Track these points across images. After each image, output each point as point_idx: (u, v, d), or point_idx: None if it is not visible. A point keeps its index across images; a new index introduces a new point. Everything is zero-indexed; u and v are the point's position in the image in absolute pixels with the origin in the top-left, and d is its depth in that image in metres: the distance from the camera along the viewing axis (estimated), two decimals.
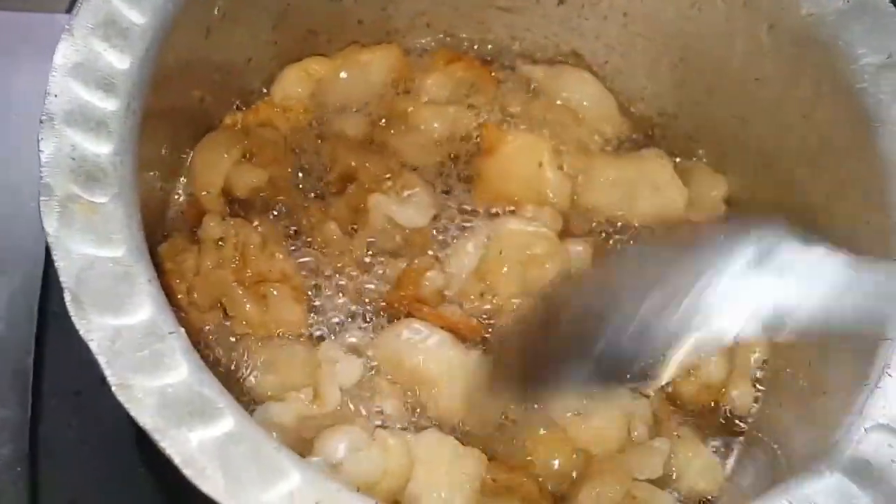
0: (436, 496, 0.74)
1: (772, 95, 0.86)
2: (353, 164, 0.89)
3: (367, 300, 0.86)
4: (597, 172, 0.92)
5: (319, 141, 0.93)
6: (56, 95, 0.64)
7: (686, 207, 0.92)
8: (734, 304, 0.62)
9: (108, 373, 0.56)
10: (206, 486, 0.54)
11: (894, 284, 0.59)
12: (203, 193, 0.86)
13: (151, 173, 0.82)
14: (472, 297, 0.86)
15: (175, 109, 0.82)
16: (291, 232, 0.88)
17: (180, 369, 0.58)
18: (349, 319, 0.85)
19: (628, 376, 0.68)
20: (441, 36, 1.02)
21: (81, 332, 0.57)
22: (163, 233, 0.85)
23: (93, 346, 0.57)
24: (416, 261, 0.86)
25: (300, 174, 0.91)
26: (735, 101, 0.91)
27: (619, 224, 0.93)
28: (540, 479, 0.79)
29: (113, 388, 0.56)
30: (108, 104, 0.65)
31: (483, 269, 0.86)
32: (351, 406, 0.79)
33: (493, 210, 0.91)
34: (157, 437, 0.55)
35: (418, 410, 0.81)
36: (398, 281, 0.85)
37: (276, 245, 0.83)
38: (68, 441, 0.85)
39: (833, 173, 0.81)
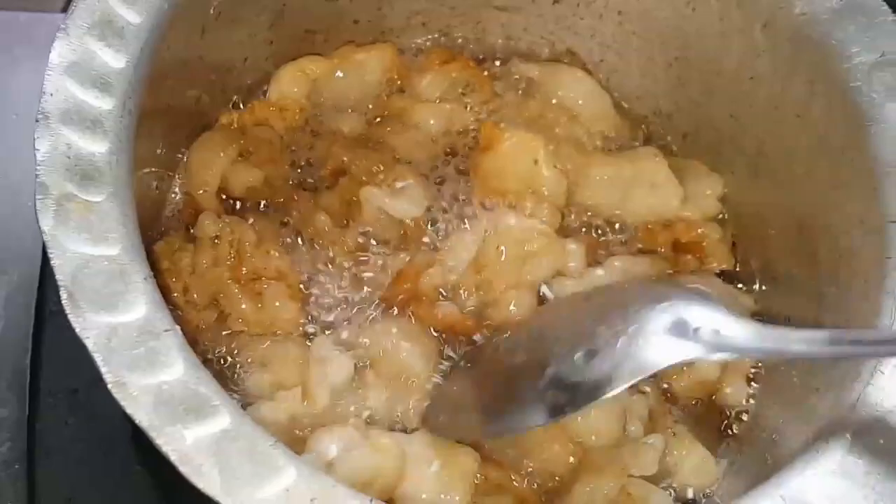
0: (430, 495, 0.74)
1: (766, 94, 0.86)
2: (345, 159, 0.89)
3: (362, 296, 0.86)
4: (592, 171, 0.92)
5: (315, 139, 0.93)
6: (52, 94, 0.65)
7: (681, 206, 0.92)
8: (662, 346, 0.68)
9: (103, 370, 0.56)
10: (202, 483, 0.55)
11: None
12: (199, 192, 0.86)
13: (147, 172, 0.82)
14: (468, 291, 0.86)
15: (171, 108, 0.82)
16: (286, 229, 0.88)
17: (176, 367, 0.58)
18: (344, 315, 0.85)
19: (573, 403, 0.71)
20: (436, 35, 1.02)
21: (77, 330, 0.57)
22: (159, 231, 0.85)
23: (89, 343, 0.57)
24: (416, 256, 0.86)
25: (297, 172, 0.91)
26: (729, 99, 0.91)
27: (615, 222, 0.93)
28: (533, 477, 0.79)
29: (109, 386, 0.56)
30: (103, 103, 0.66)
31: (480, 263, 0.86)
32: (342, 404, 0.79)
33: (489, 205, 0.91)
34: (152, 434, 0.55)
35: (404, 408, 0.81)
36: (397, 276, 0.85)
37: (271, 243, 0.83)
38: (65, 438, 0.85)
39: (827, 172, 0.81)
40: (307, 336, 0.83)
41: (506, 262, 0.86)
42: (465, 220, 0.90)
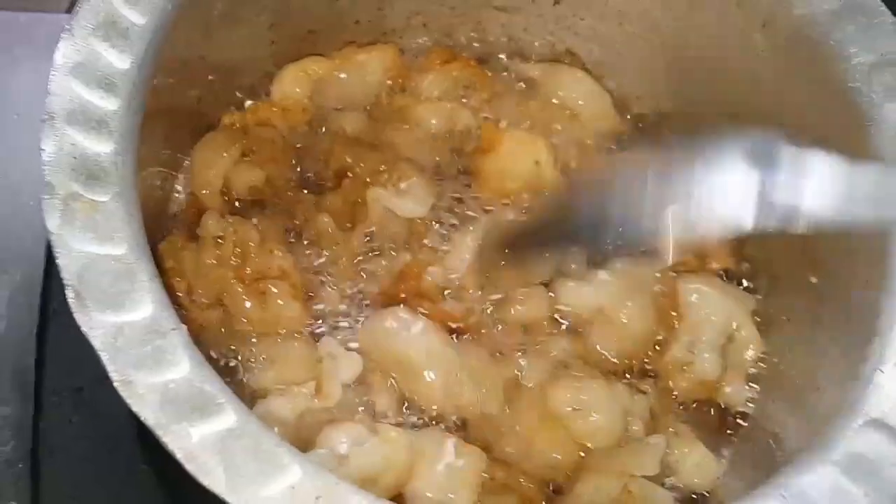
0: (437, 493, 0.74)
1: (765, 95, 0.86)
2: (348, 159, 0.89)
3: (365, 294, 0.86)
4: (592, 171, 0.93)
5: (317, 139, 0.93)
6: (57, 95, 0.65)
7: None
8: (733, 194, 0.63)
9: (110, 369, 0.57)
10: (208, 481, 0.55)
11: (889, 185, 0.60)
12: (202, 192, 0.86)
13: (151, 172, 0.82)
14: (473, 290, 0.86)
15: (174, 109, 0.82)
16: (288, 229, 0.88)
17: (182, 365, 0.58)
18: (348, 314, 0.85)
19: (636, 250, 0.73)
20: (437, 36, 1.02)
21: (84, 329, 0.58)
22: (163, 231, 0.85)
23: (95, 342, 0.57)
24: (418, 255, 0.87)
25: (299, 172, 0.91)
26: (729, 100, 0.91)
27: None
28: (536, 477, 0.80)
29: (115, 384, 0.56)
30: (108, 103, 0.66)
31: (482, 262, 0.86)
32: (350, 400, 0.79)
33: (490, 205, 0.91)
34: (159, 432, 0.56)
35: (409, 404, 0.81)
36: (399, 275, 0.85)
37: (274, 242, 0.84)
38: (69, 437, 0.85)
39: None
40: (311, 335, 0.83)
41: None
42: (467, 220, 0.90)
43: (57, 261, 0.60)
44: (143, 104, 0.69)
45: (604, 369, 0.85)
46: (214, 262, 0.81)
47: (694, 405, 0.87)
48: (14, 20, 1.04)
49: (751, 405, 0.86)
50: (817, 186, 0.60)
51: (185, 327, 0.60)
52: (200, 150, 0.88)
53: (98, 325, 0.58)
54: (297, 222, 0.88)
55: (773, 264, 0.90)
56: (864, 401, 0.66)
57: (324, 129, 0.94)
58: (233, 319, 0.81)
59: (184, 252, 0.81)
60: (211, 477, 0.55)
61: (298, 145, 0.92)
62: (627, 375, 0.86)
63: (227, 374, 0.80)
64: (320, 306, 0.85)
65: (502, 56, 1.03)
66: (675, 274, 0.88)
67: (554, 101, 0.98)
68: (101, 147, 0.64)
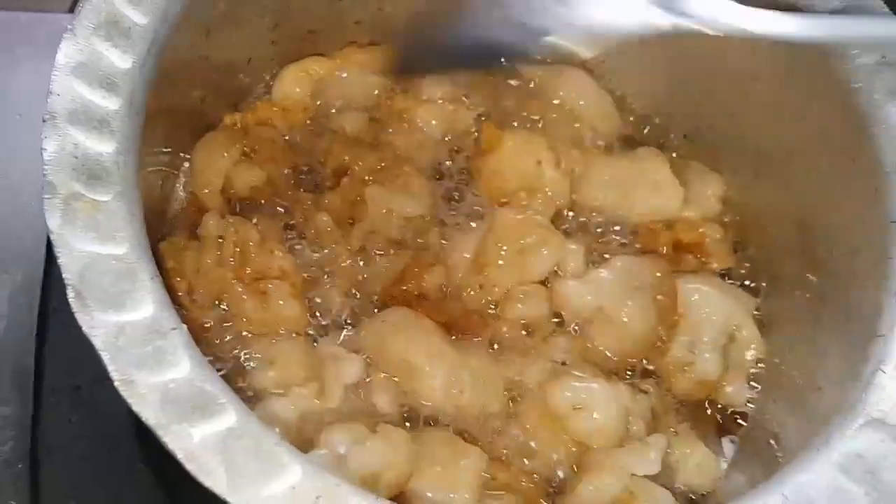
0: (438, 493, 0.74)
1: (766, 94, 0.87)
2: (347, 158, 0.89)
3: (365, 294, 0.86)
4: (593, 171, 0.92)
5: (318, 139, 0.93)
6: (59, 94, 0.65)
7: (682, 206, 0.92)
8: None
9: (111, 369, 0.57)
10: (209, 481, 0.55)
11: None
12: (203, 192, 0.86)
13: (152, 172, 0.82)
14: (472, 290, 0.86)
15: (175, 108, 0.82)
16: (289, 229, 0.88)
17: (182, 365, 0.58)
18: (349, 314, 0.85)
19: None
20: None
21: (85, 329, 0.58)
22: (164, 231, 0.85)
23: (96, 342, 0.57)
24: (418, 256, 0.87)
25: (299, 172, 0.91)
26: (730, 100, 0.91)
27: (616, 223, 0.93)
28: (537, 477, 0.80)
29: (116, 384, 0.57)
30: (110, 103, 0.66)
31: (480, 261, 0.86)
32: (351, 400, 0.79)
33: (490, 204, 0.91)
34: (159, 432, 0.56)
35: (410, 404, 0.81)
36: (400, 275, 0.85)
37: (274, 242, 0.84)
38: (68, 436, 0.85)
39: (828, 172, 0.82)
40: (311, 335, 0.83)
41: (505, 256, 0.86)
42: (468, 220, 0.90)
43: (58, 260, 0.60)
44: (144, 104, 0.69)
45: (605, 369, 0.85)
46: (215, 261, 0.81)
47: (695, 405, 0.87)
48: (15, 20, 1.04)
49: (751, 405, 0.87)
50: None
51: (185, 327, 0.61)
52: (201, 149, 0.88)
53: (99, 324, 0.58)
54: (297, 222, 0.88)
55: (773, 264, 0.91)
56: (864, 401, 0.66)
57: (324, 130, 0.94)
58: (233, 319, 0.81)
59: (184, 252, 0.81)
60: (212, 477, 0.55)
61: (298, 145, 0.92)
62: (628, 375, 0.86)
63: (228, 375, 0.80)
64: (321, 306, 0.85)
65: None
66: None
67: (555, 101, 0.97)
68: (103, 147, 0.64)
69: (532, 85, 0.99)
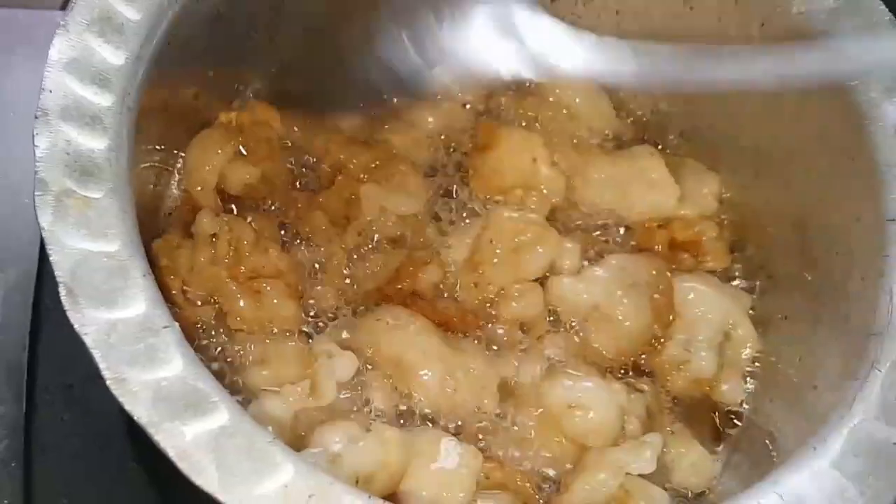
0: (432, 492, 0.74)
1: (763, 93, 0.86)
2: (342, 157, 0.89)
3: (360, 293, 0.86)
4: (590, 169, 0.92)
5: (314, 137, 0.93)
6: (51, 91, 0.65)
7: (678, 204, 0.92)
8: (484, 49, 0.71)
9: (102, 366, 0.57)
10: (200, 480, 0.55)
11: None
12: (197, 190, 0.86)
13: (146, 169, 0.82)
14: (467, 288, 0.86)
15: (169, 106, 0.82)
16: (284, 227, 0.88)
17: (175, 363, 0.58)
18: (343, 312, 0.85)
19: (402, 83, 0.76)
20: None
21: (76, 326, 0.57)
22: (157, 229, 0.85)
23: (87, 339, 0.57)
24: (413, 254, 0.86)
25: (294, 171, 0.91)
26: (727, 98, 0.91)
27: (612, 221, 0.93)
28: (532, 476, 0.80)
29: (108, 382, 0.56)
30: (102, 99, 0.66)
31: (476, 259, 0.86)
32: (345, 399, 0.79)
33: (486, 202, 0.91)
34: (151, 430, 0.55)
35: (404, 403, 0.81)
36: (395, 273, 0.85)
37: (269, 241, 0.83)
38: (61, 435, 0.85)
39: (825, 171, 0.82)
40: (306, 333, 0.83)
41: (500, 255, 0.86)
42: (463, 218, 0.90)
43: (50, 257, 0.59)
44: (137, 101, 0.69)
45: (600, 367, 0.85)
46: (209, 260, 0.80)
47: (690, 404, 0.87)
48: (13, 18, 1.04)
49: (747, 404, 0.86)
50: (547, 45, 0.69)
51: (178, 325, 0.60)
52: (195, 147, 0.87)
53: (90, 322, 0.58)
54: (292, 220, 0.88)
55: (769, 263, 0.91)
56: (860, 400, 0.66)
57: (320, 128, 0.93)
58: (227, 318, 0.81)
59: (178, 250, 0.80)
60: (203, 476, 0.55)
61: (294, 143, 0.92)
62: (624, 373, 0.86)
63: (221, 373, 0.79)
64: (315, 305, 0.85)
65: None
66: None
67: (551, 99, 0.97)
68: (95, 143, 0.64)
69: (528, 83, 0.99)
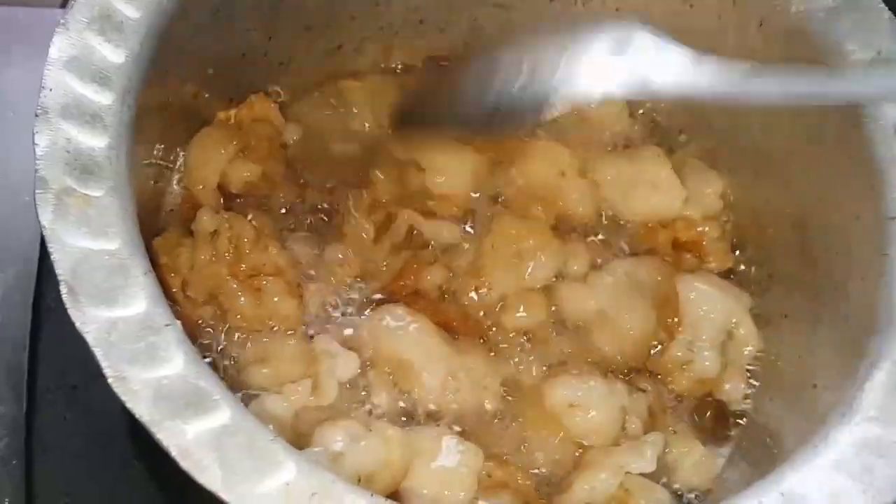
0: (434, 491, 0.74)
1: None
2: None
3: (362, 291, 0.86)
4: (596, 171, 0.92)
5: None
6: (51, 89, 0.64)
7: (683, 205, 0.92)
8: (599, 71, 0.72)
9: (104, 365, 0.56)
10: (203, 478, 0.55)
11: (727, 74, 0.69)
12: (197, 188, 0.86)
13: (146, 167, 0.82)
14: (470, 292, 0.86)
15: (169, 103, 0.82)
16: (285, 225, 0.88)
17: (176, 361, 0.58)
18: (344, 311, 0.85)
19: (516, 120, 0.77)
20: (433, 32, 1.02)
21: (77, 325, 0.57)
22: (157, 227, 0.84)
23: (89, 338, 0.57)
24: (418, 254, 0.87)
25: (296, 169, 0.91)
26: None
27: (616, 222, 0.93)
28: (533, 475, 0.80)
29: (109, 381, 0.56)
30: (102, 98, 0.66)
31: (478, 264, 0.86)
32: (347, 398, 0.79)
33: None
34: (153, 429, 0.55)
35: (406, 402, 0.81)
36: (399, 273, 0.86)
37: (269, 239, 0.83)
38: (62, 434, 0.85)
39: (825, 169, 0.81)
40: (306, 332, 0.83)
41: (503, 260, 0.86)
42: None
43: (51, 256, 0.59)
44: (137, 99, 0.69)
45: (602, 367, 0.85)
46: (209, 258, 0.80)
47: (692, 403, 0.87)
48: (13, 17, 1.04)
49: (748, 403, 0.86)
50: (666, 66, 0.69)
51: (179, 323, 0.60)
52: (196, 146, 0.87)
53: (91, 320, 0.57)
54: (292, 218, 0.88)
55: (770, 262, 0.90)
56: (861, 398, 0.66)
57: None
58: (227, 316, 0.81)
59: (178, 248, 0.80)
60: (206, 474, 0.55)
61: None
62: (626, 373, 0.86)
63: (222, 371, 0.79)
64: (316, 303, 0.85)
65: None
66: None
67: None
68: (96, 141, 0.64)
69: None
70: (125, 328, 0.58)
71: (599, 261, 0.90)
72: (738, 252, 0.93)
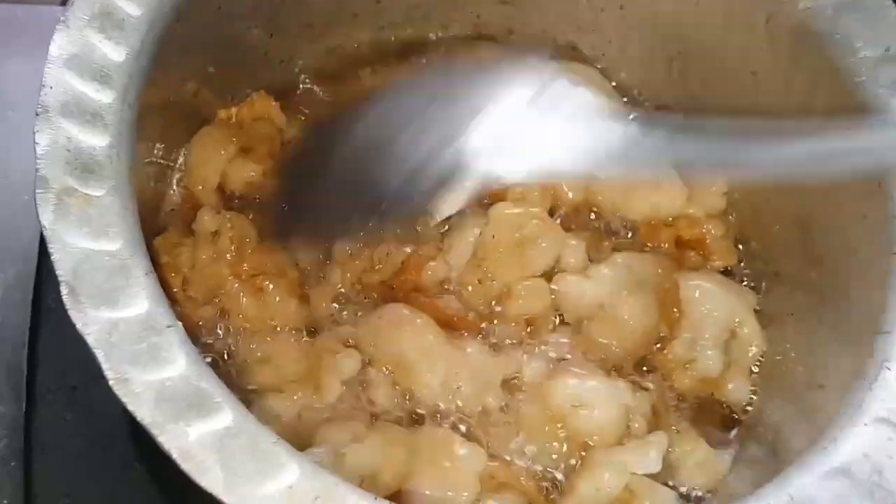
0: (436, 491, 0.74)
1: (769, 89, 0.86)
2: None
3: (363, 290, 0.85)
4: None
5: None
6: (51, 87, 0.64)
7: (685, 203, 0.92)
8: (506, 146, 0.66)
9: (105, 366, 0.56)
10: (205, 481, 0.54)
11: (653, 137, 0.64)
12: (198, 187, 0.85)
13: (146, 166, 0.82)
14: (472, 285, 0.85)
15: (170, 102, 0.82)
16: None
17: (178, 363, 0.58)
18: (346, 310, 0.85)
19: (407, 211, 0.72)
20: (437, 29, 1.02)
21: (78, 326, 0.57)
22: (158, 226, 0.84)
23: (90, 339, 0.56)
24: (418, 250, 0.86)
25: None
26: (731, 94, 0.91)
27: (618, 220, 0.93)
28: (537, 475, 0.79)
29: (110, 382, 0.56)
30: (103, 96, 0.65)
31: (479, 255, 0.86)
32: (349, 398, 0.79)
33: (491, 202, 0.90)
34: (154, 431, 0.55)
35: (408, 401, 0.81)
36: (399, 269, 0.85)
37: (271, 238, 0.83)
38: (62, 435, 0.84)
39: None
40: (308, 332, 0.83)
41: (504, 250, 0.85)
42: (468, 215, 0.89)
43: (51, 256, 0.59)
44: (138, 97, 0.68)
45: (605, 366, 0.84)
46: (210, 258, 0.80)
47: (696, 402, 0.86)
48: (12, 15, 1.04)
49: (753, 403, 0.86)
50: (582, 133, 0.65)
51: (181, 324, 0.60)
52: (196, 145, 0.87)
53: (92, 321, 0.57)
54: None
55: (774, 261, 0.90)
56: (869, 399, 0.65)
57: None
58: (229, 316, 0.80)
59: (179, 248, 0.80)
60: (208, 476, 0.54)
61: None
62: (629, 372, 0.85)
63: (224, 372, 0.79)
64: (317, 302, 0.84)
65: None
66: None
67: None
68: (96, 140, 0.63)
69: None
70: (126, 329, 0.57)
71: (599, 254, 0.89)
72: (742, 251, 0.93)
